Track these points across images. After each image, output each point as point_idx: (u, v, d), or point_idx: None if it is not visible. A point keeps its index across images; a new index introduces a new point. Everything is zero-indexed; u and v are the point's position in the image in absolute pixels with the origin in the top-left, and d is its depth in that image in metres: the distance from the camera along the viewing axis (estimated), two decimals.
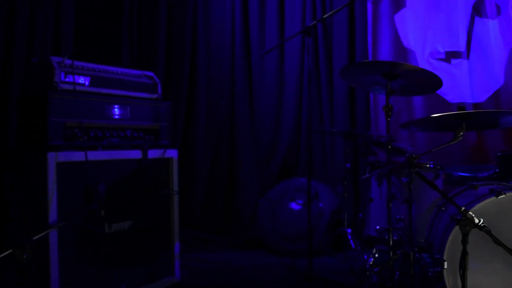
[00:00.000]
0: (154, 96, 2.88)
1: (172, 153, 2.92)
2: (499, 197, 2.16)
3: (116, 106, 2.63)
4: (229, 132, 4.56)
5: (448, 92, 4.08)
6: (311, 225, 3.39)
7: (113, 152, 2.58)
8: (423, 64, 4.13)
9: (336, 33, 4.32)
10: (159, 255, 2.81)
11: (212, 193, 4.54)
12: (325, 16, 3.09)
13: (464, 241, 2.04)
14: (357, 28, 4.26)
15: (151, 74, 2.93)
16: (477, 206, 2.18)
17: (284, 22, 4.49)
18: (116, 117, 2.64)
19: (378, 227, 2.95)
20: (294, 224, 3.82)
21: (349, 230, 3.40)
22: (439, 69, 4.09)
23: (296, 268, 3.39)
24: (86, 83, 2.51)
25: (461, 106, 2.42)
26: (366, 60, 4.05)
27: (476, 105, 4.03)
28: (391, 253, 2.54)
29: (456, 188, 2.74)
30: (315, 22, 3.06)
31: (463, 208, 2.05)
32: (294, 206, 3.95)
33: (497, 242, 2.04)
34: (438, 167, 2.92)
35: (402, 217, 2.87)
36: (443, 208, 2.57)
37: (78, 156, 2.37)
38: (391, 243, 2.57)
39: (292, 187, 4.05)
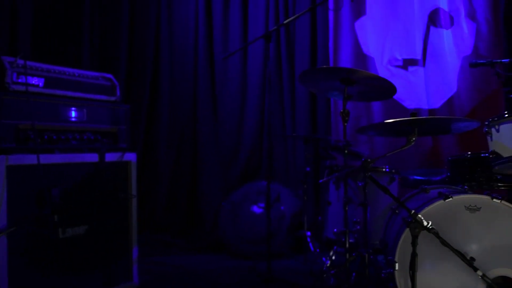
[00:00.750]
0: (113, 98, 2.84)
1: (131, 156, 2.88)
2: (446, 200, 2.24)
3: (72, 108, 2.58)
4: (192, 134, 4.54)
5: (405, 98, 4.21)
6: (272, 228, 3.43)
7: (69, 156, 2.53)
8: (382, 70, 4.25)
9: (299, 38, 4.39)
10: (116, 261, 2.77)
11: (174, 195, 4.51)
12: (285, 21, 3.13)
13: (414, 243, 2.11)
14: (319, 34, 4.34)
15: (109, 76, 2.89)
16: (426, 209, 2.26)
17: (247, 26, 4.52)
18: (73, 119, 2.59)
19: (336, 229, 3.01)
20: (256, 227, 3.84)
21: (309, 233, 3.45)
22: (397, 75, 4.22)
23: (257, 270, 3.41)
24: (40, 84, 2.45)
25: (413, 112, 2.50)
26: (324, 66, 4.14)
27: (431, 111, 4.18)
28: (347, 255, 2.60)
29: (411, 191, 2.84)
30: (275, 28, 3.11)
31: (413, 211, 2.13)
32: (256, 209, 3.97)
33: (444, 243, 2.13)
34: (393, 171, 3.01)
35: (358, 220, 2.94)
36: (396, 211, 2.65)
37: (30, 159, 2.30)
38: (347, 245, 2.63)
39: (254, 190, 4.08)
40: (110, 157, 2.74)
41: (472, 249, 2.26)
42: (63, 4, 4.08)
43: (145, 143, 4.47)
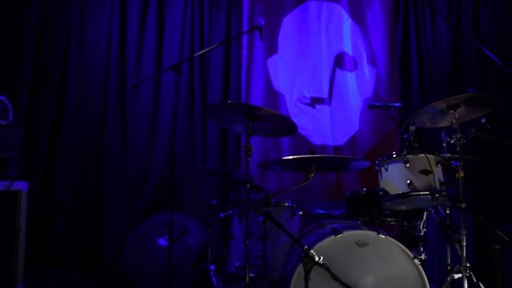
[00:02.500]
0: (4, 122, 2.66)
1: (21, 185, 2.69)
2: (337, 236, 2.34)
3: None
4: (98, 163, 4.34)
5: (312, 134, 4.41)
6: (178, 261, 3.35)
7: None
8: (291, 107, 4.43)
9: (213, 71, 4.44)
10: None
11: (75, 227, 4.24)
12: (196, 54, 3.19)
13: (306, 278, 2.16)
14: (232, 69, 4.44)
15: (2, 98, 2.70)
16: (319, 244, 2.34)
17: (162, 53, 4.47)
18: None
19: (237, 263, 3.00)
20: (161, 261, 3.72)
21: (212, 267, 3.40)
22: (305, 112, 4.42)
23: None
24: None
25: (312, 150, 2.61)
26: (229, 101, 4.20)
27: (336, 148, 4.40)
28: None
29: (311, 225, 2.94)
30: (185, 59, 3.15)
31: (306, 247, 2.19)
32: (162, 242, 3.87)
33: (335, 278, 2.20)
34: (295, 205, 3.09)
35: (260, 254, 2.96)
36: (295, 246, 2.71)
37: None
38: (247, 279, 2.63)
39: (160, 222, 3.98)
40: None
41: (363, 282, 2.36)
42: None
43: (45, 171, 4.19)
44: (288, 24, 4.56)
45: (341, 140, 4.43)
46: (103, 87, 4.40)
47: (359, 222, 2.78)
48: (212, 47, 3.14)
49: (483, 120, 2.85)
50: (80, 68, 4.38)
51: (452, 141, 2.74)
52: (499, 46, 4.80)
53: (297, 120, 4.36)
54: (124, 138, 4.41)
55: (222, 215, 2.96)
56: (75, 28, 4.37)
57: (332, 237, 2.34)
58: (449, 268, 2.87)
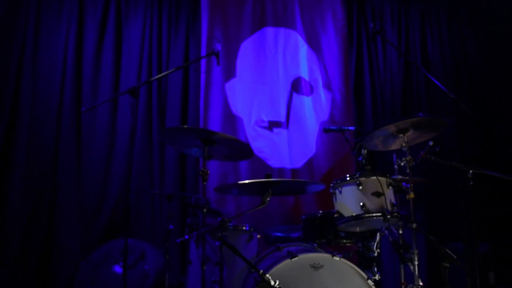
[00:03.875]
0: None
1: None
2: (293, 259, 2.36)
3: None
4: (52, 185, 4.19)
5: (270, 157, 4.45)
6: None
7: None
8: (249, 130, 4.47)
9: (171, 95, 4.44)
10: None
11: (26, 254, 4.04)
12: (152, 78, 3.20)
13: None
14: (191, 93, 4.45)
15: None
16: (275, 268, 2.35)
17: (119, 75, 4.42)
18: None
19: None
20: None
21: None
22: (263, 136, 4.47)
23: None
24: None
25: (268, 174, 2.65)
26: (183, 126, 4.14)
27: (294, 171, 4.46)
28: None
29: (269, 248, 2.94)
30: (141, 84, 3.13)
31: (261, 271, 2.20)
32: (118, 269, 3.77)
33: None
34: (252, 229, 3.10)
35: (217, 279, 2.93)
36: (252, 270, 2.71)
37: None
38: None
39: (117, 248, 3.88)
40: None
41: None
42: None
43: None
44: (247, 49, 4.64)
45: (299, 163, 4.50)
46: (58, 108, 4.29)
47: (315, 244, 2.81)
48: (169, 71, 3.15)
49: (431, 143, 2.98)
50: (34, 92, 4.26)
51: (402, 164, 2.86)
52: (445, 72, 5.08)
53: (255, 144, 4.43)
54: (80, 161, 4.29)
55: (178, 240, 2.92)
56: (29, 49, 4.27)
57: (288, 260, 2.36)
58: (402, 287, 2.96)
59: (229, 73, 4.56)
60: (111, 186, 4.31)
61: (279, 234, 3.70)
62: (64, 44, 4.37)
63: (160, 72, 4.39)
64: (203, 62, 4.51)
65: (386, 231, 3.04)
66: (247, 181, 2.51)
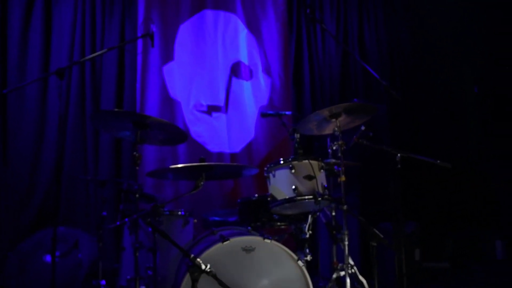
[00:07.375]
0: None
1: None
2: (224, 243, 2.37)
3: None
4: None
5: (209, 142, 4.43)
6: (67, 278, 3.14)
7: None
8: (187, 114, 4.41)
9: (105, 77, 4.27)
10: None
11: None
12: (84, 59, 3.03)
13: (193, 287, 2.16)
14: (127, 75, 4.31)
15: None
16: (207, 252, 2.35)
17: (49, 59, 4.17)
18: None
19: (128, 276, 2.90)
20: (48, 279, 3.45)
21: (103, 282, 3.25)
22: (202, 120, 4.43)
23: None
24: None
25: (201, 158, 2.62)
26: (116, 109, 4.06)
27: (233, 155, 4.47)
28: None
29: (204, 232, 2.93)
30: (70, 64, 2.98)
31: (192, 255, 2.18)
32: (49, 258, 3.61)
33: (222, 284, 2.22)
34: (187, 214, 3.07)
35: (151, 265, 2.89)
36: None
37: None
38: None
39: (49, 237, 3.70)
40: None
41: (253, 287, 2.41)
42: None
43: None
44: (185, 31, 4.55)
45: (238, 148, 4.51)
46: None
47: (249, 227, 2.83)
48: (102, 51, 3.02)
49: (363, 128, 3.07)
50: None
51: (335, 148, 2.93)
52: (380, 59, 5.25)
53: (193, 128, 4.38)
54: (5, 148, 4.04)
55: (109, 226, 2.84)
56: None
57: (220, 244, 2.36)
58: (334, 266, 3.06)
59: (167, 56, 4.45)
60: (41, 173, 4.12)
61: (216, 218, 3.69)
62: None
63: (95, 51, 4.19)
64: (139, 44, 4.36)
65: (320, 213, 3.11)
66: (179, 165, 2.46)
